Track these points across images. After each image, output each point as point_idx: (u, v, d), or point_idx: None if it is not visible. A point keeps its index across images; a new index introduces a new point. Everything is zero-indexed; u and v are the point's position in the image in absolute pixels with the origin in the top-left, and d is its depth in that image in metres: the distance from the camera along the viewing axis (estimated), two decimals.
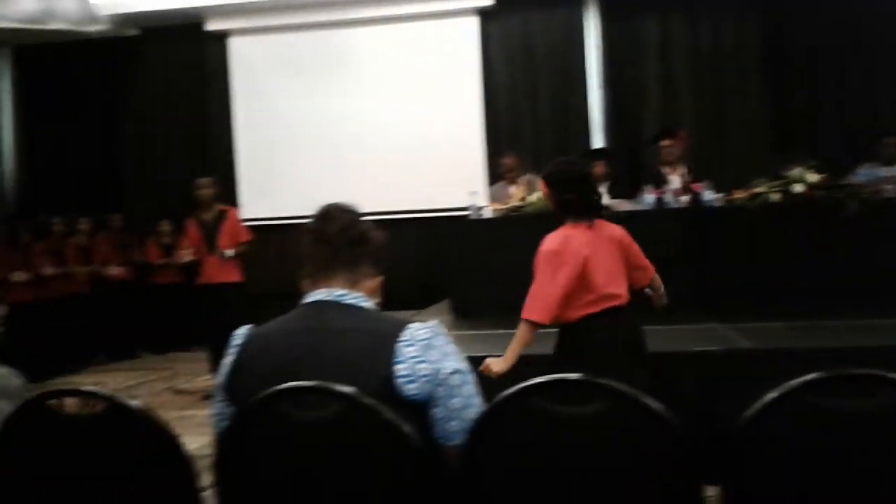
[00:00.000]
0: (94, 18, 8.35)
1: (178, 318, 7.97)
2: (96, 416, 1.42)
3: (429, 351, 1.53)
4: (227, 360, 1.64)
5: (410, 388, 1.50)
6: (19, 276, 7.03)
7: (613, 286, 2.96)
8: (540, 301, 2.88)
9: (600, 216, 3.08)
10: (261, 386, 1.42)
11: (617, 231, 3.09)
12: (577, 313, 2.92)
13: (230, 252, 6.08)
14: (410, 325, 1.56)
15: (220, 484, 1.45)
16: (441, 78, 8.23)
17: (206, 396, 5.94)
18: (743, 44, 7.90)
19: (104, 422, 1.42)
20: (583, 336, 2.91)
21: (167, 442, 1.40)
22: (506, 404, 1.35)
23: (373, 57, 8.40)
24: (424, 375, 1.51)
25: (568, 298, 2.90)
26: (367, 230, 1.73)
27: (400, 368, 1.50)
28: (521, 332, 2.90)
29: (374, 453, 1.38)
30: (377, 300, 1.73)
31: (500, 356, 2.86)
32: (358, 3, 8.29)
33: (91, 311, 7.73)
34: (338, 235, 1.68)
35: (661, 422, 1.29)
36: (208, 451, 1.53)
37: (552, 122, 8.25)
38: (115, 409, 1.40)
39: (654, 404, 1.30)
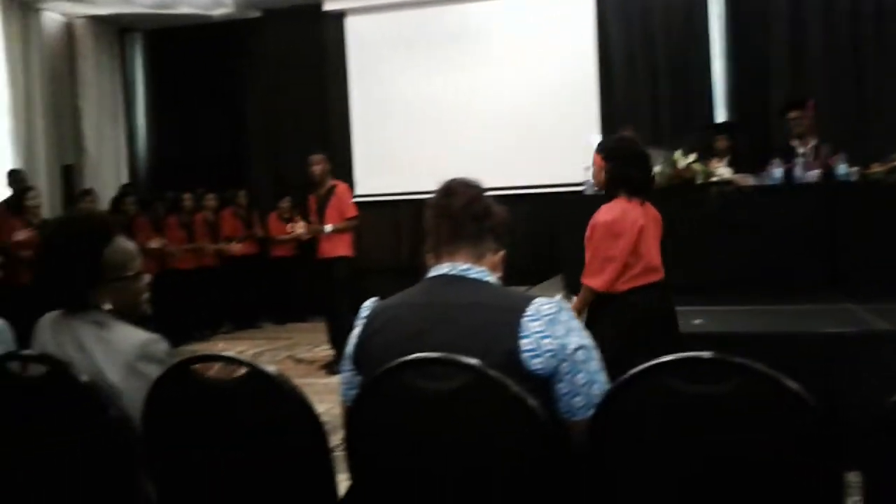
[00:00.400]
0: (219, 2, 8.67)
1: (297, 290, 8.32)
2: (237, 380, 1.50)
3: (554, 326, 1.52)
4: (355, 331, 1.69)
5: (535, 363, 1.49)
6: (156, 241, 7.51)
7: (658, 260, 3.10)
8: (600, 268, 3.01)
9: (649, 198, 3.16)
10: (387, 357, 1.45)
11: (658, 215, 3.19)
12: (623, 286, 3.01)
13: (328, 227, 6.18)
14: (535, 300, 1.55)
15: (349, 450, 1.50)
16: (556, 52, 8.08)
17: (325, 366, 6.15)
18: (884, 7, 7.33)
19: (244, 386, 1.49)
20: (625, 308, 3.00)
21: (302, 406, 1.45)
22: (635, 381, 1.33)
23: (486, 32, 8.34)
24: (549, 350, 1.50)
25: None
26: (489, 205, 1.74)
27: (525, 343, 1.50)
28: (584, 295, 3.08)
29: (500, 426, 1.38)
30: (500, 274, 1.74)
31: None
32: None
33: (218, 283, 8.18)
34: (461, 210, 1.69)
35: (801, 403, 1.24)
36: (328, 417, 1.59)
37: (672, 94, 7.92)
38: (254, 375, 1.48)
39: (793, 385, 1.25)
